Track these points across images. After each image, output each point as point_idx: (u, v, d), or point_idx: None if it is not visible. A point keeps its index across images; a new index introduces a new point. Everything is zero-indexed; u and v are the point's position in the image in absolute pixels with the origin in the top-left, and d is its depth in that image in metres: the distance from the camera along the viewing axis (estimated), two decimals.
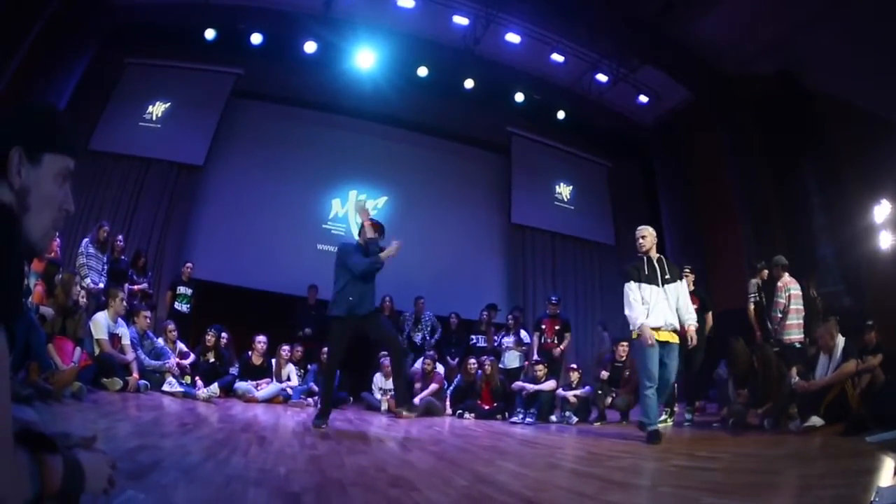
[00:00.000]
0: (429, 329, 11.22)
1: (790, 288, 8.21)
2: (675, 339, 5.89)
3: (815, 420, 6.08)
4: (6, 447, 1.09)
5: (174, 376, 8.03)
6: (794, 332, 8.00)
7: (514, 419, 8.38)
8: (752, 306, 8.82)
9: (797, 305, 8.15)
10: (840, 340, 6.51)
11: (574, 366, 9.40)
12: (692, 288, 7.93)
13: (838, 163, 11.27)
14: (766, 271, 8.85)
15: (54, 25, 10.06)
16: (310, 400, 8.81)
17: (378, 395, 9.15)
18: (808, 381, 6.49)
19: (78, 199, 10.80)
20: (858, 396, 6.11)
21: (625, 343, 8.82)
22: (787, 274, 8.36)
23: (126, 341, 7.68)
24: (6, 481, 1.10)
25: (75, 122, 10.70)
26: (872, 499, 2.13)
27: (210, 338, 9.13)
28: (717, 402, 8.59)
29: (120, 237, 9.97)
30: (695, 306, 7.73)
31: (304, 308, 11.23)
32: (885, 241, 10.41)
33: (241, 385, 8.71)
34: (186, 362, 8.59)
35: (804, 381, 6.52)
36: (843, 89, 10.79)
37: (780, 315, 8.15)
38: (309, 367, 9.63)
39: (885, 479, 2.87)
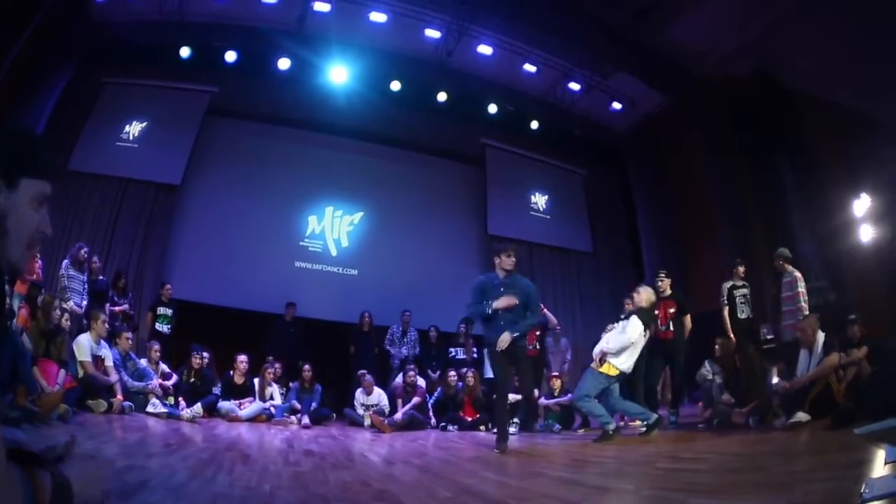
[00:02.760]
0: (411, 344, 11.27)
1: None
2: None
3: (801, 416, 6.06)
4: None
5: (157, 397, 8.01)
6: None
7: None
8: (725, 309, 8.86)
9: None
10: (820, 336, 6.54)
11: (556, 374, 9.43)
12: (669, 292, 8.03)
13: (816, 159, 11.41)
14: (741, 268, 8.97)
15: (33, 46, 9.99)
16: (293, 417, 8.78)
17: (360, 411, 9.07)
18: (790, 381, 6.53)
19: (59, 220, 10.62)
20: (844, 390, 6.11)
21: None
22: (790, 266, 8.67)
23: (109, 363, 7.69)
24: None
25: (55, 142, 10.69)
26: (863, 490, 2.16)
27: (195, 359, 9.07)
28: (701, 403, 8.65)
29: (96, 258, 9.89)
30: (672, 310, 7.86)
31: (283, 325, 11.18)
32: (865, 234, 10.56)
33: (224, 404, 8.66)
34: (169, 383, 8.56)
35: (785, 382, 6.58)
36: (820, 86, 10.89)
37: (804, 304, 8.40)
38: (291, 384, 9.58)
39: (874, 471, 2.89)
